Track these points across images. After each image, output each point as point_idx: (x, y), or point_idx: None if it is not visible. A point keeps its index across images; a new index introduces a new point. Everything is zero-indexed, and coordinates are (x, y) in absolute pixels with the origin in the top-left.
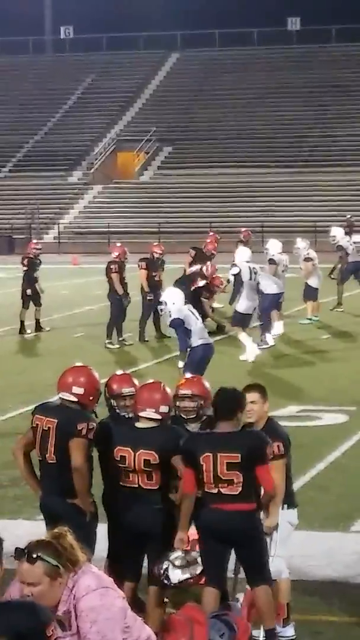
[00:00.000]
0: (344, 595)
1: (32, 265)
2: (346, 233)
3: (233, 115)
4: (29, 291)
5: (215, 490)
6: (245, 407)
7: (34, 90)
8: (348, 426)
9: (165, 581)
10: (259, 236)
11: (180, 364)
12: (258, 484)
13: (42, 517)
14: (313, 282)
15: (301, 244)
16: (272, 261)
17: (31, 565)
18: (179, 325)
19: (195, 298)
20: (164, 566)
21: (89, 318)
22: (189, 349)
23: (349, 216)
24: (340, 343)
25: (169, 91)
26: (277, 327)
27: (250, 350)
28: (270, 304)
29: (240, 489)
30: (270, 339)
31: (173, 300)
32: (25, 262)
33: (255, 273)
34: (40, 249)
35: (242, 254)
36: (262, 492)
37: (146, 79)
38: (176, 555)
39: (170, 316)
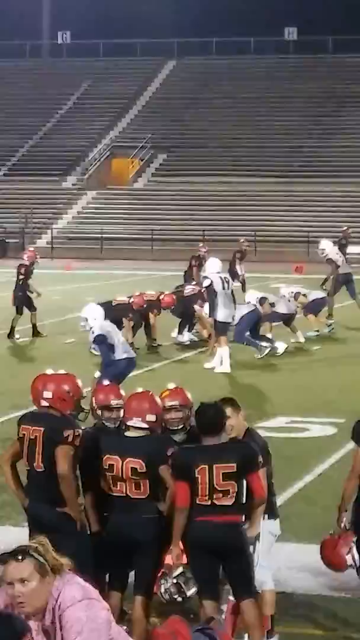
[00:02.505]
0: (329, 608)
1: (28, 273)
2: (342, 245)
3: (228, 124)
4: (21, 297)
5: (208, 502)
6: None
7: (30, 95)
8: (336, 438)
9: (178, 597)
10: (252, 245)
11: (97, 374)
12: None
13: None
14: (313, 295)
15: (327, 245)
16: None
17: (20, 562)
18: (102, 341)
19: (186, 305)
20: (169, 583)
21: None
22: (111, 362)
23: (345, 228)
24: (331, 354)
25: (165, 98)
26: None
27: (225, 365)
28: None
29: (234, 499)
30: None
31: (94, 317)
32: (23, 270)
33: (228, 282)
34: (37, 257)
35: (213, 265)
36: (253, 499)
37: (142, 86)
38: (179, 570)
39: (92, 332)
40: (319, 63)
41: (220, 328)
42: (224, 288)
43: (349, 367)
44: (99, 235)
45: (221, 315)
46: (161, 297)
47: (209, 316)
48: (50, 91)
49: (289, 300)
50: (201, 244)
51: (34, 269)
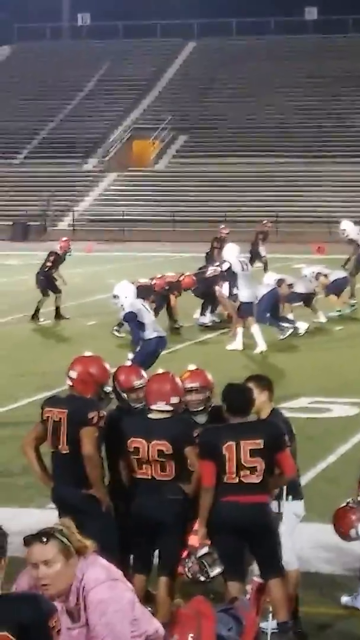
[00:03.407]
0: (353, 588)
1: (57, 262)
2: None
3: (249, 104)
4: (43, 281)
5: (235, 480)
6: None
7: (50, 77)
8: (359, 418)
9: (201, 577)
10: (274, 226)
11: (130, 355)
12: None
13: (52, 505)
14: (334, 276)
15: (348, 226)
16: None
17: (44, 544)
18: (132, 319)
19: (208, 286)
20: (194, 563)
21: (102, 306)
22: (141, 341)
23: None
24: (353, 334)
25: (185, 79)
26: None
27: (261, 344)
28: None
29: (261, 477)
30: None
31: (125, 294)
32: (52, 258)
33: (246, 264)
34: (70, 247)
35: (231, 250)
36: (283, 478)
37: (162, 67)
38: (205, 550)
39: (123, 309)
40: (339, 42)
41: (245, 308)
42: (243, 269)
43: None
44: (121, 217)
45: (244, 295)
46: (181, 279)
47: (230, 297)
48: (71, 73)
49: (310, 281)
50: (222, 226)
51: (65, 259)
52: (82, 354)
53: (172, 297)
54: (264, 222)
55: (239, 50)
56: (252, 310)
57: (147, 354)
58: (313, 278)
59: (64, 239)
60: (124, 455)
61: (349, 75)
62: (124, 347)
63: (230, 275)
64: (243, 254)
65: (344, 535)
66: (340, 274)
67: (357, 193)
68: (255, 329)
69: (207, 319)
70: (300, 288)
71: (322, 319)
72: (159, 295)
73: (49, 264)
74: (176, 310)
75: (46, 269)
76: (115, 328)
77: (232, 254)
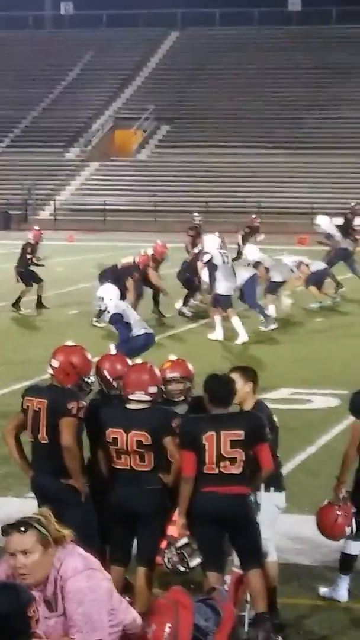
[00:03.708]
0: (331, 579)
1: (34, 252)
2: (347, 219)
3: (231, 95)
4: (23, 273)
5: (215, 471)
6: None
7: (32, 66)
8: (339, 410)
9: (181, 568)
10: (256, 216)
11: (112, 348)
12: (250, 468)
13: (31, 494)
14: (315, 267)
15: (323, 221)
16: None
17: (23, 534)
18: (118, 320)
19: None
20: (173, 553)
21: (84, 296)
22: (129, 339)
23: (353, 204)
24: (334, 326)
25: (168, 70)
26: (271, 310)
27: (242, 334)
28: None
29: (241, 468)
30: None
31: (110, 297)
32: (29, 249)
33: (227, 256)
34: (42, 236)
35: (211, 241)
36: (260, 471)
37: (145, 57)
38: (184, 541)
39: (108, 312)
40: (323, 34)
41: (223, 301)
42: (224, 262)
43: (352, 339)
44: (102, 207)
45: (222, 288)
46: (152, 251)
47: (210, 291)
48: (53, 62)
49: (292, 271)
50: (195, 214)
51: (38, 248)
52: (63, 344)
53: (151, 273)
54: (253, 217)
55: (222, 41)
56: (229, 303)
57: (133, 348)
58: (295, 267)
59: (36, 227)
60: (102, 445)
61: (332, 67)
62: (105, 337)
63: (210, 267)
64: (229, 245)
65: (335, 538)
66: (321, 265)
67: (339, 185)
68: (236, 320)
69: (189, 307)
70: (276, 277)
71: (288, 300)
72: (140, 280)
73: (27, 255)
74: (160, 284)
75: (28, 263)
76: (94, 319)
77: (213, 246)
